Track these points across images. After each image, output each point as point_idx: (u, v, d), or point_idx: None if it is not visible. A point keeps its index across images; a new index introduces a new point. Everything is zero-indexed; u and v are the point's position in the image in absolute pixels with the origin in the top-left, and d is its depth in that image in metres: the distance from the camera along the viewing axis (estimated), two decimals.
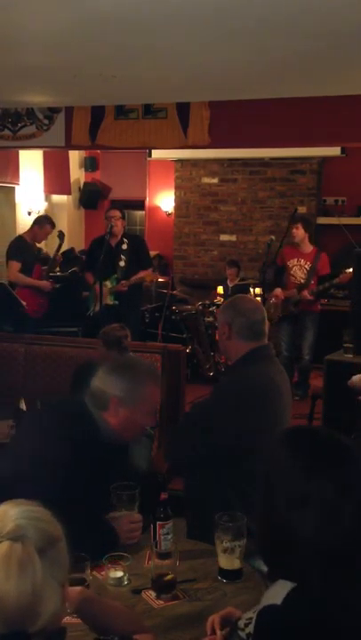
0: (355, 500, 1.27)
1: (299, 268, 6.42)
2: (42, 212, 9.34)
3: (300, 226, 6.36)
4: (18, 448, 2.32)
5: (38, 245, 7.01)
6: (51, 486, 1.87)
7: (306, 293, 6.30)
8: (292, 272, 6.44)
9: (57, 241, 6.92)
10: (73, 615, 1.54)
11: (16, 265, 6.20)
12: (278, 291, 6.40)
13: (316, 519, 1.26)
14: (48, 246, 7.37)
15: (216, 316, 6.89)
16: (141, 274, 6.10)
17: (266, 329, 2.71)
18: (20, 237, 6.57)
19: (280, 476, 1.33)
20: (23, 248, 6.34)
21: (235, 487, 2.39)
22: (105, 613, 1.54)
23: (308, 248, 6.42)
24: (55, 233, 6.90)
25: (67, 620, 1.45)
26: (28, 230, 6.59)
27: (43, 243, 7.33)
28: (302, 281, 6.38)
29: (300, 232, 6.35)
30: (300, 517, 1.27)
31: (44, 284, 6.30)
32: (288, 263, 6.46)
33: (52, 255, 6.79)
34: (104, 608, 1.55)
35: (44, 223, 6.51)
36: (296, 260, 6.43)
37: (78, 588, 1.50)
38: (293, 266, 6.43)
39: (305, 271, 6.39)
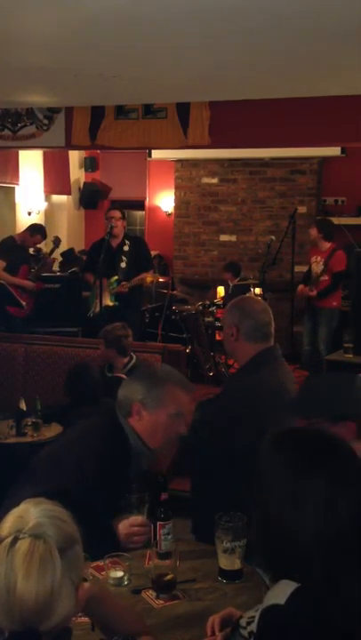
0: (347, 494, 1.27)
1: (316, 265, 6.74)
2: (42, 212, 9.37)
3: (313, 226, 6.80)
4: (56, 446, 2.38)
5: (38, 246, 7.04)
6: (70, 486, 1.94)
7: (306, 290, 6.66)
8: (311, 269, 6.81)
9: (58, 246, 7.00)
10: (78, 614, 1.53)
11: (1, 263, 6.26)
12: (300, 287, 6.83)
13: (311, 517, 1.26)
14: (48, 246, 7.40)
15: (216, 316, 6.90)
16: (142, 275, 6.09)
17: (272, 330, 2.70)
18: (11, 237, 6.64)
19: (271, 479, 1.34)
20: (10, 248, 6.40)
21: (246, 488, 2.38)
22: (110, 612, 1.53)
23: (325, 246, 6.70)
24: (51, 237, 6.99)
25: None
26: (21, 233, 6.68)
27: (43, 244, 7.35)
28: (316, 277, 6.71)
29: (313, 232, 6.77)
30: (296, 517, 1.28)
31: (27, 283, 6.33)
32: (310, 261, 6.86)
33: (47, 257, 6.85)
34: (110, 606, 1.54)
35: (35, 233, 6.59)
36: (314, 257, 6.79)
37: (88, 584, 1.50)
38: (313, 263, 6.80)
39: (320, 268, 6.66)
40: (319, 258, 6.69)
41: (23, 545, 1.20)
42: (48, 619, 1.20)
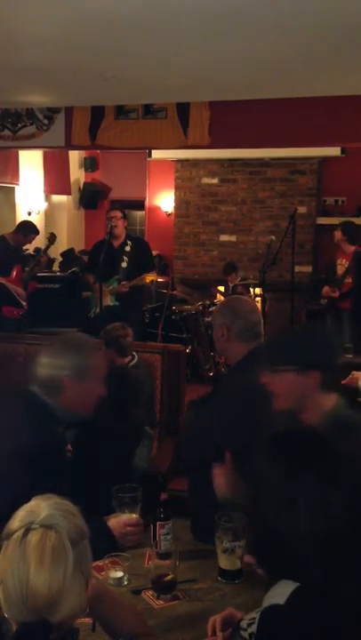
0: (339, 494, 1.27)
1: (341, 267, 6.83)
2: (42, 212, 9.36)
3: (338, 229, 6.87)
4: None
5: (37, 246, 7.00)
6: (24, 479, 1.91)
7: (327, 290, 6.82)
8: (337, 270, 6.91)
9: (53, 243, 6.94)
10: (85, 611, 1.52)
11: None
12: (325, 289, 6.95)
13: (303, 518, 1.26)
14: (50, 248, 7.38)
15: (212, 318, 6.90)
16: (143, 275, 6.07)
17: (262, 329, 2.74)
18: (2, 237, 6.54)
19: (265, 480, 1.34)
20: (2, 249, 6.33)
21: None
22: (114, 612, 1.53)
23: (349, 249, 6.77)
24: (46, 234, 6.93)
25: None
26: (12, 233, 6.57)
27: (41, 243, 7.32)
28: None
29: (337, 235, 6.85)
30: (289, 518, 1.27)
31: (20, 291, 6.28)
32: (336, 263, 6.95)
33: (41, 255, 6.79)
34: (114, 606, 1.54)
35: (29, 233, 6.51)
36: (340, 259, 6.89)
37: (92, 582, 1.49)
38: (338, 265, 6.90)
39: (344, 270, 6.76)
40: (344, 260, 6.76)
41: (35, 536, 1.21)
42: (59, 610, 1.20)
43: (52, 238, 6.90)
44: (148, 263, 6.22)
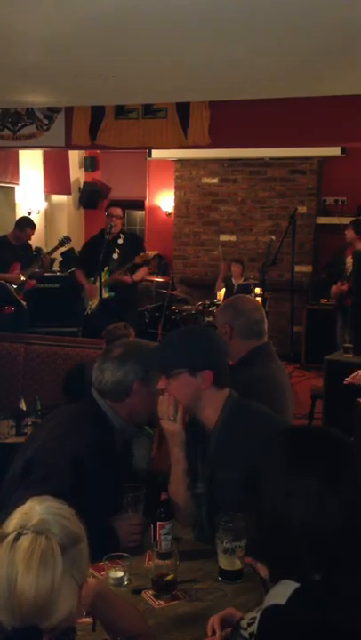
0: (338, 492, 1.27)
1: (350, 265, 6.79)
2: (42, 212, 9.36)
3: (350, 228, 6.84)
4: (34, 444, 2.31)
5: (38, 246, 7.00)
6: (62, 485, 1.92)
7: (335, 288, 6.81)
8: (346, 268, 6.89)
9: (63, 245, 6.92)
10: (83, 613, 1.52)
11: None
12: (333, 288, 6.90)
13: (300, 512, 1.27)
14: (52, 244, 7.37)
15: (216, 316, 6.89)
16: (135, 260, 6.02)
17: (265, 327, 2.75)
18: (4, 237, 6.57)
19: (267, 474, 1.34)
20: (1, 247, 6.36)
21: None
22: (115, 611, 1.53)
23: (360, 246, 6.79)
24: (58, 237, 6.92)
25: None
26: (12, 231, 6.62)
27: (43, 243, 7.31)
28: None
29: (350, 233, 6.83)
30: (287, 512, 1.28)
31: (13, 276, 6.27)
32: (345, 261, 6.93)
33: (43, 255, 6.80)
34: (115, 605, 1.54)
35: (23, 226, 6.54)
36: (348, 257, 6.85)
37: (94, 581, 1.48)
38: (347, 263, 6.87)
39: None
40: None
41: (25, 541, 1.21)
42: (49, 616, 1.20)
43: (64, 241, 6.87)
44: (140, 250, 6.12)
